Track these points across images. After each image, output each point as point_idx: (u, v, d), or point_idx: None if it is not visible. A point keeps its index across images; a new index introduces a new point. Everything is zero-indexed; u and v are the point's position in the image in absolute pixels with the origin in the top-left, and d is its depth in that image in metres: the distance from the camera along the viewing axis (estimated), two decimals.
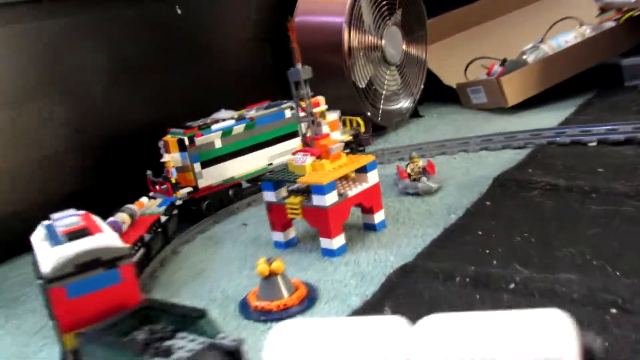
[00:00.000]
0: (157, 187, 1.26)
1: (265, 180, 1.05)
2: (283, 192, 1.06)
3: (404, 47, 1.85)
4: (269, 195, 1.05)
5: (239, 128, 1.32)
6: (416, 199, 1.19)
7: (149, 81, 1.44)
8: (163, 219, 1.15)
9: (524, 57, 1.81)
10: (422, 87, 1.92)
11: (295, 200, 1.01)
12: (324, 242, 1.00)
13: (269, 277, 0.86)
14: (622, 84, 1.79)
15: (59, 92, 1.28)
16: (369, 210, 1.06)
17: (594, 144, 1.29)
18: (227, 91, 1.64)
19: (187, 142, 1.24)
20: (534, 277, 0.79)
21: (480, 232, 0.97)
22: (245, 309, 0.87)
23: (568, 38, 1.81)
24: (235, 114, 1.37)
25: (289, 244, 1.08)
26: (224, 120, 1.31)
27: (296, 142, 1.40)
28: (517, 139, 1.40)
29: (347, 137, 1.46)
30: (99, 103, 1.35)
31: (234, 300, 0.91)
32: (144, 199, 1.20)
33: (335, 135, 1.43)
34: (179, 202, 1.24)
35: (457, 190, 1.20)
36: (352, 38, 1.64)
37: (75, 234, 0.68)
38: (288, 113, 1.40)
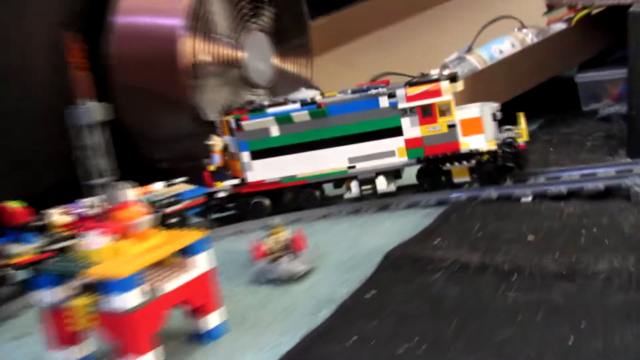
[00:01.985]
0: None
1: (41, 273, 1.02)
2: (68, 289, 1.04)
3: (277, 61, 1.88)
4: (45, 296, 1.02)
5: (302, 115, 1.42)
6: (277, 288, 1.21)
7: None
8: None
9: (446, 72, 1.89)
10: None
11: (85, 301, 0.99)
12: None
13: None
14: (579, 107, 1.89)
15: None
16: (197, 312, 1.06)
17: (529, 199, 1.35)
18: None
19: (233, 124, 1.43)
20: None
21: (355, 338, 0.99)
22: None
23: (503, 46, 1.91)
24: (317, 95, 1.45)
25: None
26: (294, 102, 1.46)
27: (396, 143, 1.42)
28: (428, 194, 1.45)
29: (490, 145, 1.41)
30: None
31: None
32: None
33: (478, 141, 1.41)
34: (222, 194, 1.49)
35: (335, 272, 1.22)
36: (195, 48, 1.65)
37: None
38: (384, 101, 1.40)
